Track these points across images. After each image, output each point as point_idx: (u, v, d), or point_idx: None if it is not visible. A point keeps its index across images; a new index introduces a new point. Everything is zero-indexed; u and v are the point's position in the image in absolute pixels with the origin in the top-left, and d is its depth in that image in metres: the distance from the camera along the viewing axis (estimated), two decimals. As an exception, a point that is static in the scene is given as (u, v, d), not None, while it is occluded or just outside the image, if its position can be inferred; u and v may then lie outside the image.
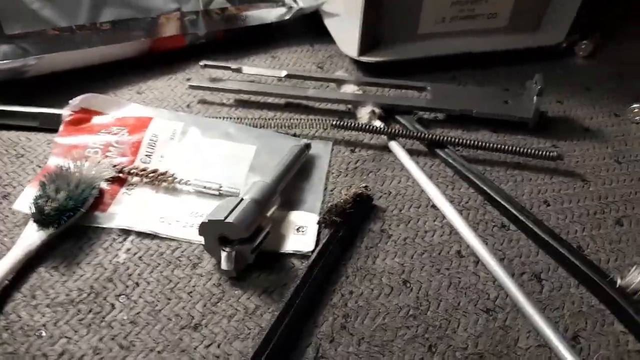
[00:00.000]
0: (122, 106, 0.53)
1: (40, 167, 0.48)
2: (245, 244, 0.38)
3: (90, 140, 0.49)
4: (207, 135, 0.51)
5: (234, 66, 0.60)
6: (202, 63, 0.60)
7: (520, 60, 0.67)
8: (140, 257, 0.41)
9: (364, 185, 0.46)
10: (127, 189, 0.46)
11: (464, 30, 0.65)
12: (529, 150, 0.50)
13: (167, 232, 0.42)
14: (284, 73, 0.59)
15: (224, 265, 0.38)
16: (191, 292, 0.39)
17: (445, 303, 0.39)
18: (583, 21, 0.66)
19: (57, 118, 0.50)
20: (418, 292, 0.40)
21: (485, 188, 0.47)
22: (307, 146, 0.50)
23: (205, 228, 0.38)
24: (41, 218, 0.40)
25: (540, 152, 0.50)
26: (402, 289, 0.40)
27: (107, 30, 0.57)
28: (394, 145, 0.52)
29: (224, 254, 0.38)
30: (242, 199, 0.40)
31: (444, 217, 0.45)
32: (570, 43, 0.69)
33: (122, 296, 0.38)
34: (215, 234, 0.38)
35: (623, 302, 0.38)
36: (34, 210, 0.40)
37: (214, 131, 0.51)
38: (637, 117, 0.59)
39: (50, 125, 0.51)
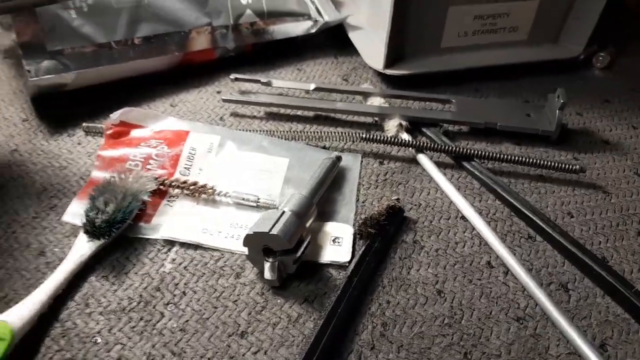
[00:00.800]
0: (159, 119, 0.55)
1: (83, 179, 0.50)
2: (288, 254, 0.40)
3: (131, 153, 0.50)
4: (242, 148, 0.53)
5: (263, 79, 0.61)
6: (232, 76, 0.61)
7: (539, 72, 0.69)
8: (185, 267, 0.43)
9: (395, 197, 0.48)
10: (168, 201, 0.48)
11: (486, 43, 0.67)
12: (553, 164, 0.52)
13: (210, 242, 0.44)
14: (312, 86, 0.61)
15: (267, 275, 0.40)
16: (236, 300, 0.41)
17: (478, 312, 0.41)
18: (601, 33, 0.68)
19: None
20: (452, 301, 0.41)
21: (511, 200, 0.49)
22: (339, 158, 0.51)
23: (250, 239, 0.40)
24: (93, 230, 0.42)
25: (564, 165, 0.52)
26: (436, 298, 0.42)
27: (141, 45, 0.59)
28: (422, 158, 0.53)
29: (267, 264, 0.40)
30: (283, 212, 0.41)
31: (473, 228, 0.47)
32: (589, 55, 0.71)
33: (171, 305, 0.40)
34: (260, 245, 0.40)
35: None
36: (85, 222, 0.42)
37: (249, 144, 0.53)
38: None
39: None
